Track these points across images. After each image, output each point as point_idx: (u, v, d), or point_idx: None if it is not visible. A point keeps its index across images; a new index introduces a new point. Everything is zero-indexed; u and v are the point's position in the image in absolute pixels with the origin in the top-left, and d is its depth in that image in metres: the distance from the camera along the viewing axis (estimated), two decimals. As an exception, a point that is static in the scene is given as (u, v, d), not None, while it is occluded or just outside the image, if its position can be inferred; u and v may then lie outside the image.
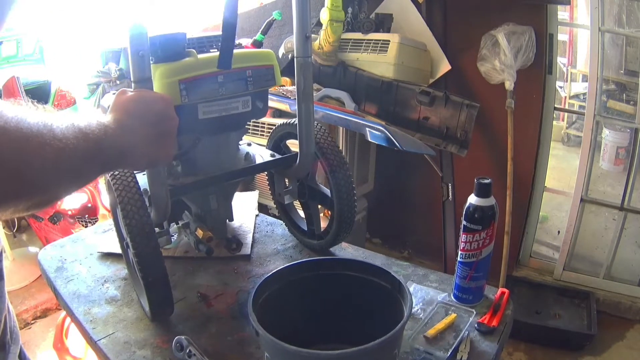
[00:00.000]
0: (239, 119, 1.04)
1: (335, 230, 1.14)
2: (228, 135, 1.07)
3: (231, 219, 1.19)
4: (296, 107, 1.03)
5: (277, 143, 1.21)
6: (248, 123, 1.17)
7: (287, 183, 1.22)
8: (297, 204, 1.27)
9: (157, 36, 0.89)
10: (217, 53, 0.95)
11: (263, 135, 2.22)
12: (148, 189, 0.92)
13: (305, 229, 1.24)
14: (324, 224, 1.20)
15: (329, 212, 1.16)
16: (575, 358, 2.14)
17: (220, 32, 0.92)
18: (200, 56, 0.94)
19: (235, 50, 0.97)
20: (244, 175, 1.11)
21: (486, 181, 0.95)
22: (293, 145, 1.13)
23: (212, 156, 1.05)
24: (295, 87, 1.02)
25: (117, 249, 1.14)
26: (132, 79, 0.78)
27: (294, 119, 1.09)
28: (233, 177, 1.08)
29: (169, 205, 0.93)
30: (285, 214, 1.28)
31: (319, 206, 1.21)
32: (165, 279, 0.91)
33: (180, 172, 1.05)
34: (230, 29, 0.89)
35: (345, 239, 1.20)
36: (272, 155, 1.13)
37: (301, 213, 1.26)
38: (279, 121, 1.19)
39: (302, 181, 1.19)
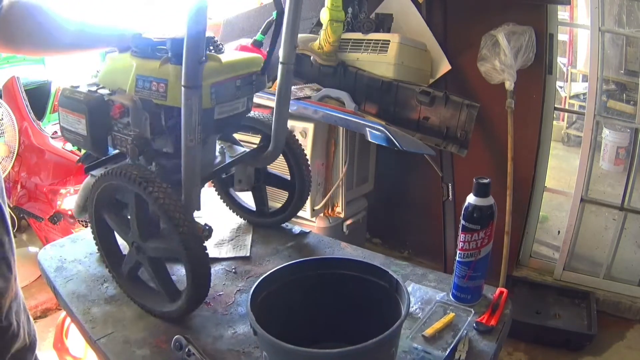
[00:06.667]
0: (238, 118, 1.08)
1: (295, 206, 1.28)
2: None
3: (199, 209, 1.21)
4: (274, 106, 1.13)
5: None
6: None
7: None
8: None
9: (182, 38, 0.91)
10: (237, 57, 1.03)
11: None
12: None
13: (252, 209, 1.34)
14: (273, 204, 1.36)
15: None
16: (575, 358, 2.14)
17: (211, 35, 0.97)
18: (224, 60, 0.98)
19: (242, 55, 1.04)
20: (228, 168, 1.17)
21: (485, 181, 0.95)
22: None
23: (205, 155, 1.09)
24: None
25: None
26: (183, 84, 0.83)
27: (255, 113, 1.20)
28: (223, 172, 1.18)
29: (200, 195, 0.97)
30: (231, 199, 1.36)
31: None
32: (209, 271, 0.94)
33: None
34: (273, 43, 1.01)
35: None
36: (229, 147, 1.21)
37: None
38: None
39: (258, 168, 1.27)
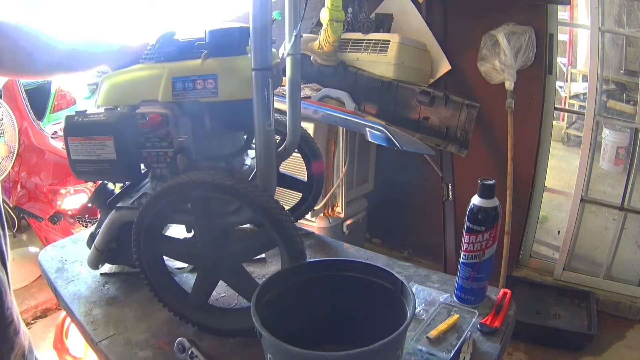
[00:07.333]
0: None
1: (309, 205, 1.27)
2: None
3: None
4: (287, 98, 1.09)
5: None
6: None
7: None
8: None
9: (230, 29, 0.89)
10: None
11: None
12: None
13: None
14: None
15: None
16: (575, 358, 2.14)
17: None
18: None
19: None
20: None
21: (490, 182, 0.95)
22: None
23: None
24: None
25: (120, 269, 1.13)
26: (254, 67, 0.79)
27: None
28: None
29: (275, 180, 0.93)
30: None
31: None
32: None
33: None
34: None
35: None
36: None
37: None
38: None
39: None
